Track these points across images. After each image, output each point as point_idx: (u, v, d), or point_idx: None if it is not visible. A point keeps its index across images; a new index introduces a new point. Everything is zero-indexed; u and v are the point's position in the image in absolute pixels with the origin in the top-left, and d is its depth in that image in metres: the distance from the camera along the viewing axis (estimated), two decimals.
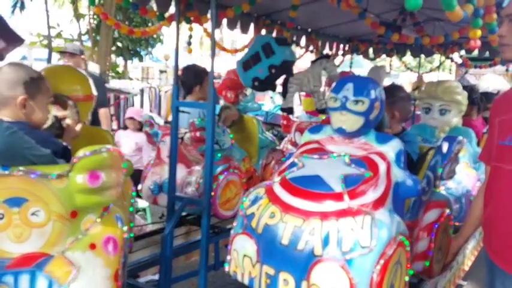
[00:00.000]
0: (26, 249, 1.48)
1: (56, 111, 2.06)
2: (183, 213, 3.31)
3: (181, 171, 2.97)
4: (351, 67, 5.88)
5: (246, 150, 3.54)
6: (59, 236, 1.50)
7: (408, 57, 6.55)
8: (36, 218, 1.47)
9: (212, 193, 2.86)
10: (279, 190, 1.80)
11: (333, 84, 2.01)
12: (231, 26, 4.18)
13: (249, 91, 4.16)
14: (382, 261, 1.57)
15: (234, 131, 3.43)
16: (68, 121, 2.06)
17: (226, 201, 3.05)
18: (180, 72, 3.45)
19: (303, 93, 4.88)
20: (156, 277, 2.73)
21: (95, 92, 2.52)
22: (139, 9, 3.65)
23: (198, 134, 2.92)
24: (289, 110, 4.00)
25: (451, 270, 2.80)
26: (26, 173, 1.48)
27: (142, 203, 4.20)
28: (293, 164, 1.91)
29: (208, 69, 2.72)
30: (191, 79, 3.23)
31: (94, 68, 8.82)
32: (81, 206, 1.53)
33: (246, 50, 3.92)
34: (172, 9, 3.68)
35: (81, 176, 1.48)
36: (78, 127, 2.07)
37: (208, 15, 3.64)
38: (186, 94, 3.30)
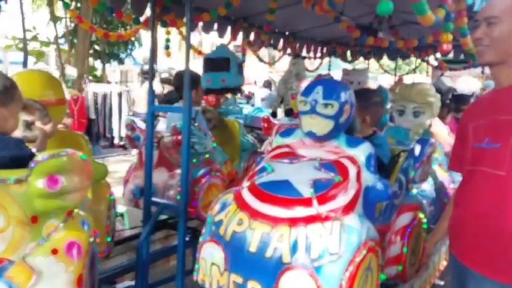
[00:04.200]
0: None
1: (24, 116, 2.03)
2: (165, 217, 3.30)
3: (163, 174, 2.97)
4: (329, 69, 5.90)
5: (228, 153, 3.54)
6: (19, 242, 1.45)
7: (387, 60, 6.62)
8: None
9: (194, 196, 2.88)
10: (247, 196, 1.76)
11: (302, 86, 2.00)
12: (207, 29, 4.14)
13: (229, 94, 4.14)
14: (351, 268, 1.54)
15: (215, 134, 3.42)
16: (38, 124, 2.02)
17: (208, 204, 3.01)
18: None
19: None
20: (134, 283, 2.68)
21: (67, 96, 2.48)
22: (115, 13, 3.60)
23: (179, 137, 2.90)
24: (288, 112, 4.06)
25: (427, 271, 2.80)
26: None
27: (120, 208, 4.15)
28: (263, 169, 1.87)
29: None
30: None
31: (71, 71, 8.68)
32: (42, 211, 1.49)
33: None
34: (149, 12, 3.64)
35: (40, 181, 1.44)
36: (48, 127, 2.03)
37: (185, 19, 3.62)
38: (180, 99, 3.26)
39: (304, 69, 4.82)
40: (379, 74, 14.64)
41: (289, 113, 4.73)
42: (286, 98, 4.69)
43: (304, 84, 3.93)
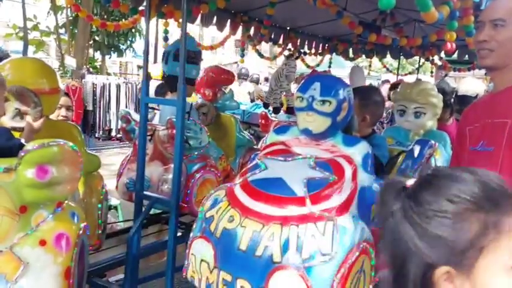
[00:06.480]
0: None
1: (18, 105, 1.99)
2: (159, 211, 3.27)
3: (157, 168, 2.95)
4: (329, 67, 5.84)
5: (223, 149, 3.50)
6: (7, 231, 1.44)
7: (391, 59, 6.54)
8: None
9: (188, 191, 2.86)
10: (239, 193, 1.72)
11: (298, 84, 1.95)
12: (207, 22, 4.08)
13: (227, 89, 4.10)
14: (343, 270, 1.50)
15: (211, 129, 3.37)
16: (28, 118, 1.98)
17: (202, 199, 2.99)
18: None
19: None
20: None
21: (61, 85, 2.45)
22: (112, 3, 3.54)
23: (174, 131, 2.85)
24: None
25: None
26: None
27: (114, 201, 4.13)
28: (256, 166, 1.83)
29: None
30: None
31: (71, 62, 8.61)
32: (31, 201, 1.48)
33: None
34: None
35: (30, 170, 1.43)
36: (37, 124, 1.99)
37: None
38: (173, 91, 3.21)
39: (295, 71, 4.83)
40: (382, 73, 14.57)
41: (277, 110, 4.74)
42: (276, 96, 4.70)
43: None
